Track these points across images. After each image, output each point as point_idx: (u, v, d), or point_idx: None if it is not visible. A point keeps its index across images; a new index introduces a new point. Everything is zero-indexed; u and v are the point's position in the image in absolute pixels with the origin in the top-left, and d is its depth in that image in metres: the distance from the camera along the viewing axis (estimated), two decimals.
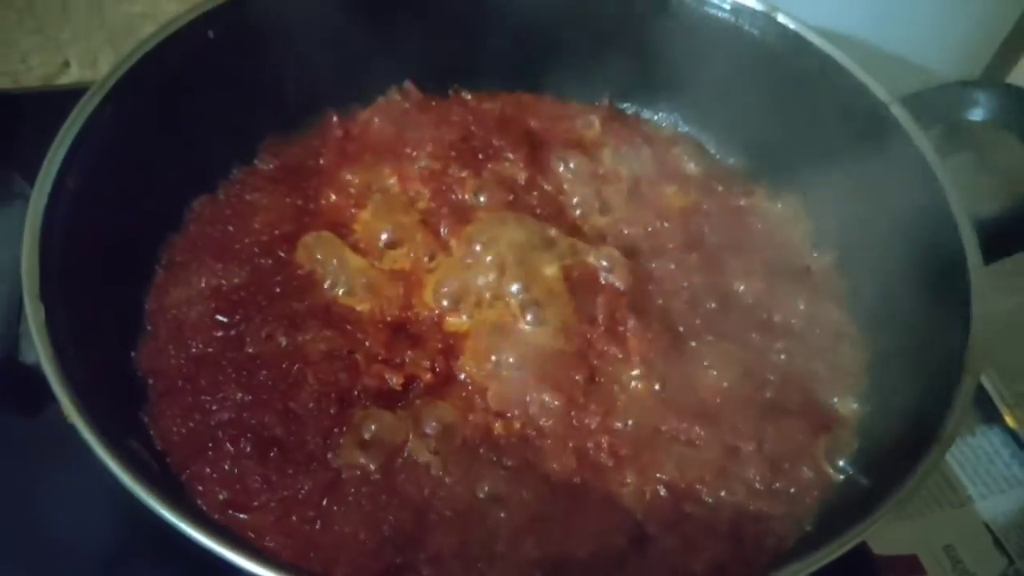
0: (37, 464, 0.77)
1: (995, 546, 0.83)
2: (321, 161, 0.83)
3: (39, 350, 0.54)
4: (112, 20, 1.11)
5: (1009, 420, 0.89)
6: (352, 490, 0.63)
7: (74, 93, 0.68)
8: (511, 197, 0.81)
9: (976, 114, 0.75)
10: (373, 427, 0.65)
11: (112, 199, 0.68)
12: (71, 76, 1.13)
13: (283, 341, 0.69)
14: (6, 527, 0.73)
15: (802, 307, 0.76)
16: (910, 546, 0.83)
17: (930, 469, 0.55)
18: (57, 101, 0.67)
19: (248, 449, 0.63)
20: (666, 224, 0.81)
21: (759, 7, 0.81)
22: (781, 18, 0.80)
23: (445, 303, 0.74)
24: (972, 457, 0.88)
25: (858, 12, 0.90)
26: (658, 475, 0.66)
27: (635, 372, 0.71)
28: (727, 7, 0.83)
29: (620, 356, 0.71)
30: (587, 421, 0.68)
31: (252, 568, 0.49)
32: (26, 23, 1.08)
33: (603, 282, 0.76)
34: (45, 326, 0.56)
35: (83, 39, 1.11)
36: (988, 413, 0.90)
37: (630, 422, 0.68)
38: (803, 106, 0.80)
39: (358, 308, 0.73)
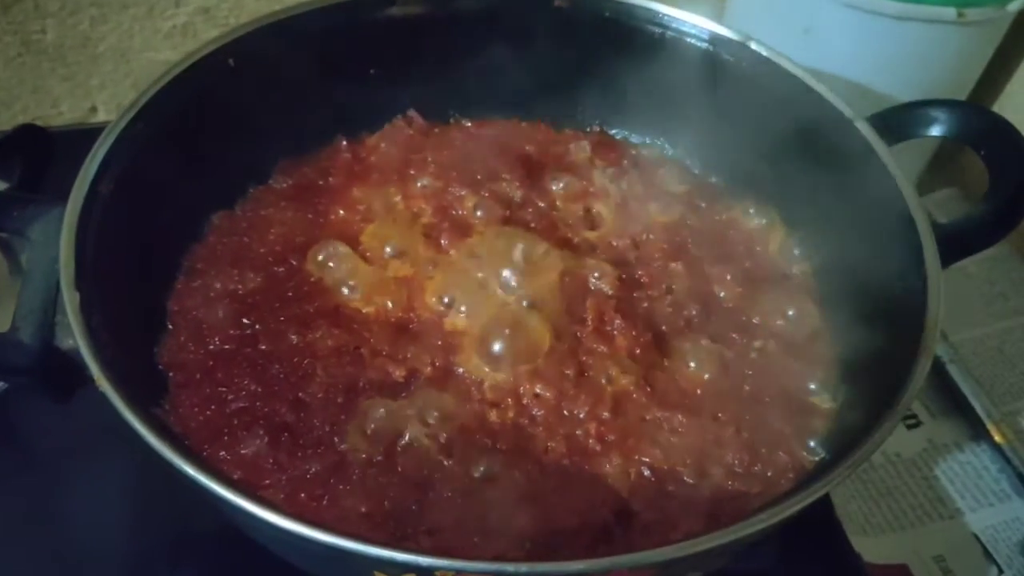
0: (64, 463, 0.82)
1: (984, 556, 0.85)
2: (331, 180, 0.88)
3: (74, 330, 0.59)
4: (137, 66, 1.17)
5: (997, 437, 0.92)
6: (357, 471, 0.67)
7: (101, 130, 0.73)
8: (507, 213, 0.86)
9: (935, 131, 0.79)
10: (377, 415, 0.69)
11: (139, 208, 0.73)
12: (97, 119, 1.20)
13: (294, 339, 0.74)
14: (32, 525, 0.78)
15: (780, 310, 0.80)
16: (900, 556, 0.85)
17: (885, 436, 0.59)
18: (86, 136, 0.72)
19: (261, 434, 0.68)
20: (652, 237, 0.85)
21: (734, 37, 0.87)
22: (754, 46, 0.86)
23: (445, 306, 0.78)
24: (961, 472, 0.92)
25: (835, 50, 0.96)
26: (642, 458, 0.69)
27: (622, 367, 0.74)
28: (705, 37, 0.88)
29: (608, 353, 0.75)
30: (576, 411, 0.72)
31: (272, 519, 0.52)
32: (58, 70, 1.14)
33: (592, 288, 0.80)
34: (80, 311, 0.61)
35: (110, 85, 1.17)
36: (976, 430, 0.93)
37: (617, 412, 0.72)
38: (777, 126, 0.84)
39: (364, 310, 0.77)
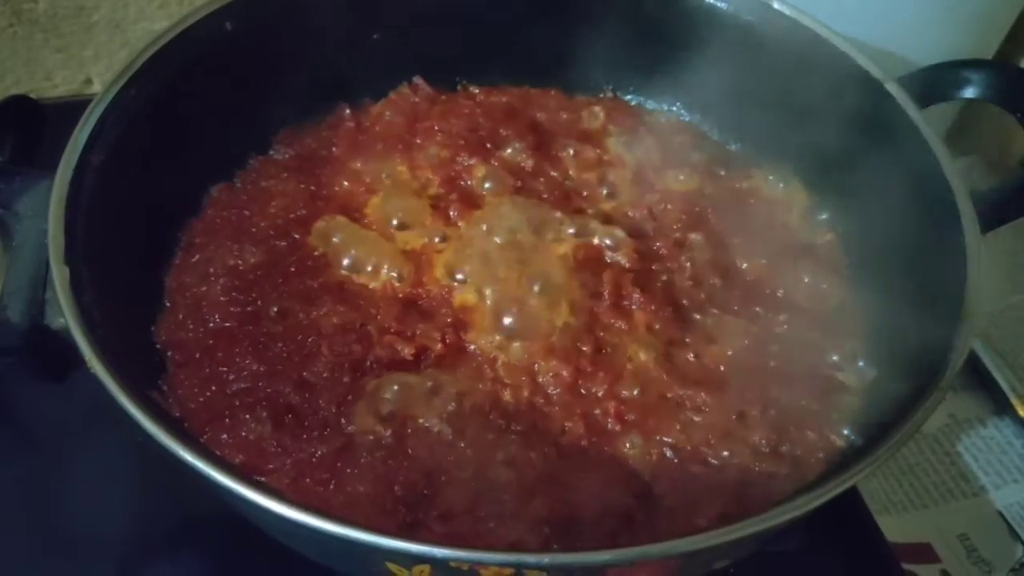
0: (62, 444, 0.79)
1: (1010, 534, 0.83)
2: (334, 151, 0.85)
3: (63, 308, 0.56)
4: (133, 38, 1.13)
5: (1021, 411, 0.89)
6: (365, 454, 0.64)
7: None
8: (518, 183, 0.83)
9: (968, 92, 0.76)
10: (386, 395, 0.67)
11: (133, 180, 0.70)
12: (92, 91, 1.16)
13: (298, 316, 0.71)
14: (29, 509, 0.75)
15: (805, 281, 0.78)
16: (924, 534, 0.83)
17: (927, 414, 0.56)
18: (81, 109, 0.69)
19: (264, 416, 0.65)
20: (670, 207, 0.82)
21: None
22: (776, 4, 0.82)
23: (454, 280, 0.75)
24: (985, 448, 0.89)
25: (852, 10, 0.91)
26: (664, 439, 0.67)
27: (641, 343, 0.72)
28: None
29: (626, 328, 0.72)
30: (594, 389, 0.69)
31: (276, 508, 0.50)
32: (51, 42, 1.10)
33: (608, 260, 0.77)
34: (70, 287, 0.58)
35: (105, 56, 1.14)
36: (1000, 405, 0.91)
37: (636, 390, 0.69)
38: (800, 89, 0.80)
39: (370, 285, 0.75)
